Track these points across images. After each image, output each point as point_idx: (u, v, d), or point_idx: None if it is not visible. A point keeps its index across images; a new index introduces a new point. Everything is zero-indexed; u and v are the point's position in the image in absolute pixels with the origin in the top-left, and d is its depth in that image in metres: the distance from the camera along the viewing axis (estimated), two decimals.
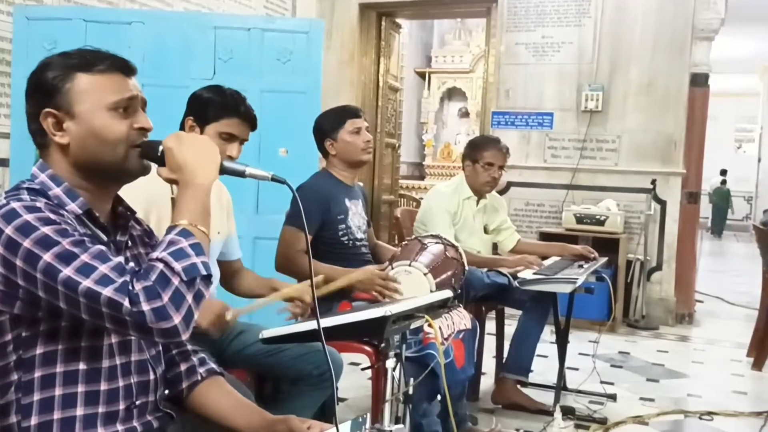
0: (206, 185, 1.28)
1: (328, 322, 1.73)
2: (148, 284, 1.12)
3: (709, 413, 3.39)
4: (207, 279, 1.19)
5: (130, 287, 1.11)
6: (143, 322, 1.11)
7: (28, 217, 1.16)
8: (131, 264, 1.17)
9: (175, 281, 1.14)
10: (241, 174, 1.34)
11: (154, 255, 1.16)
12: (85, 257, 1.14)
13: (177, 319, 1.13)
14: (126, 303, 1.11)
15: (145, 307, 1.11)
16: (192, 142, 1.30)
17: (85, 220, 1.28)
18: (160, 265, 1.14)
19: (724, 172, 14.87)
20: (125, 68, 1.32)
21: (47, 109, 1.27)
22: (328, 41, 4.86)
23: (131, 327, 1.13)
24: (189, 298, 1.15)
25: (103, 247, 1.18)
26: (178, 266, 1.15)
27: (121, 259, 1.18)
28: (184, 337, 1.15)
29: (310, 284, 1.46)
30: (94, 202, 1.31)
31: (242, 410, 1.40)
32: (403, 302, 1.86)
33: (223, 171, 1.33)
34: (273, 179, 1.32)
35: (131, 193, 1.41)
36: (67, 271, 1.12)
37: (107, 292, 1.11)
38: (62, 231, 1.16)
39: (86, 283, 1.12)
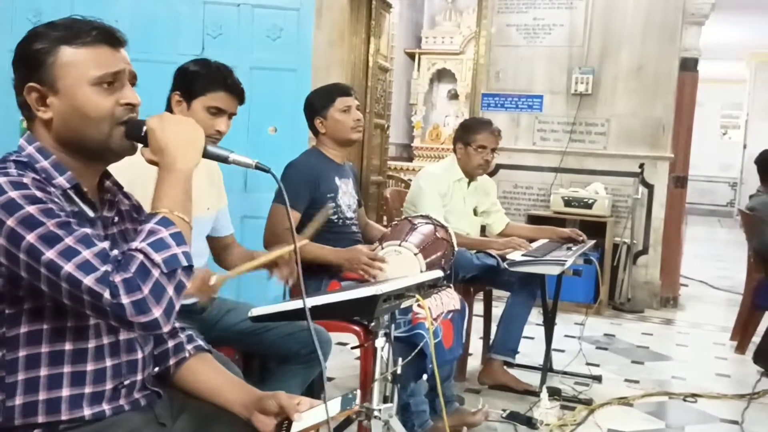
0: (186, 171, 1.24)
1: (318, 300, 1.72)
2: (128, 276, 1.10)
3: (693, 395, 3.43)
4: (188, 269, 1.16)
5: (111, 278, 1.09)
6: (123, 315, 1.09)
7: (14, 194, 1.13)
8: (115, 252, 1.14)
9: (156, 273, 1.11)
10: (224, 160, 1.31)
11: (134, 245, 1.14)
12: (69, 240, 1.11)
13: (157, 312, 1.11)
14: (106, 294, 1.09)
15: (125, 300, 1.09)
16: (176, 124, 1.26)
17: (72, 195, 1.26)
18: (140, 256, 1.12)
19: None
20: (112, 40, 1.27)
21: (30, 84, 1.24)
22: (318, 20, 4.80)
23: (111, 317, 1.12)
24: (170, 290, 1.13)
25: (88, 231, 1.15)
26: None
27: (105, 245, 1.15)
28: (165, 329, 1.13)
29: (296, 259, 1.43)
30: (81, 177, 1.27)
31: (230, 386, 1.39)
32: (393, 281, 1.85)
33: (207, 155, 1.30)
34: (257, 167, 1.29)
35: (117, 167, 1.38)
36: (49, 254, 1.10)
37: (88, 281, 1.09)
38: (48, 211, 1.13)
39: (68, 267, 1.09)
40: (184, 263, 1.15)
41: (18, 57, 1.26)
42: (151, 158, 1.26)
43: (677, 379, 3.75)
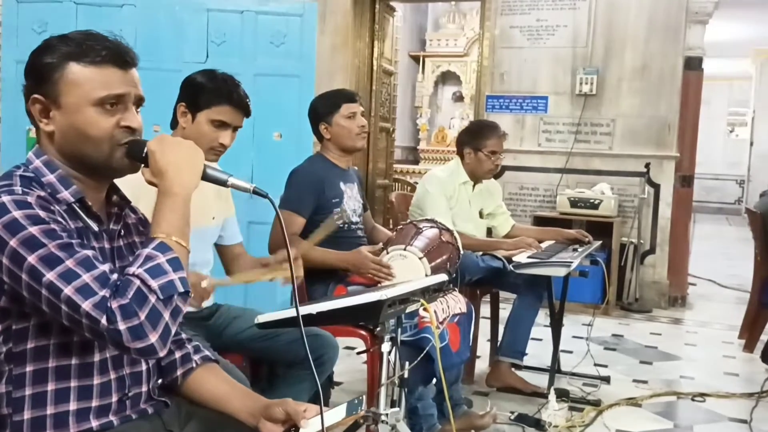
0: (184, 195, 1.25)
1: (323, 306, 1.73)
2: (125, 302, 1.11)
3: (702, 395, 3.42)
4: (185, 295, 1.18)
5: (108, 304, 1.11)
6: (120, 341, 1.11)
7: (17, 214, 1.14)
8: (114, 276, 1.15)
9: (152, 299, 1.13)
10: (223, 183, 1.32)
11: (131, 270, 1.15)
12: (69, 263, 1.13)
13: (153, 338, 1.12)
14: (103, 320, 1.10)
15: (122, 326, 1.10)
16: (175, 148, 1.27)
17: (77, 209, 1.27)
18: (137, 282, 1.13)
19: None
20: (121, 61, 1.27)
21: (35, 96, 1.26)
22: (321, 25, 4.82)
23: (109, 342, 1.14)
24: (166, 315, 1.14)
25: (89, 253, 1.16)
26: (154, 284, 1.13)
27: (105, 267, 1.16)
28: (161, 354, 1.15)
29: (289, 265, 1.44)
30: (86, 191, 1.29)
31: (237, 395, 1.40)
32: (398, 286, 1.86)
33: (206, 178, 1.31)
34: (254, 192, 1.30)
35: (121, 181, 1.39)
36: (50, 276, 1.12)
37: (86, 305, 1.10)
38: (50, 232, 1.14)
39: (67, 291, 1.11)
40: (181, 289, 1.17)
41: (29, 67, 1.28)
42: (150, 180, 1.28)
43: (685, 378, 3.75)
